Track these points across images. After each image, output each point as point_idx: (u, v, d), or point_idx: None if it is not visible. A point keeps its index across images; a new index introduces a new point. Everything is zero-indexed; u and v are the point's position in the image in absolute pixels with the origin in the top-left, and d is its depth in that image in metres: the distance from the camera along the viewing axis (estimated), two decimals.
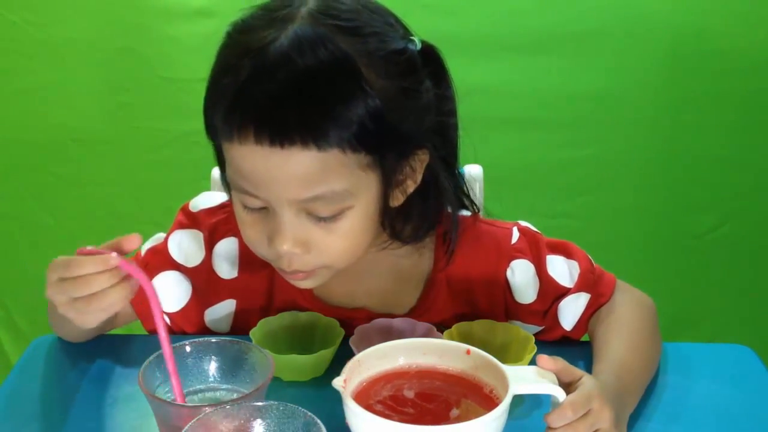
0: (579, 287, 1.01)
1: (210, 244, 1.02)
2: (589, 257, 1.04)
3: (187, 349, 0.84)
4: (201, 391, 0.85)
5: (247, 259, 1.01)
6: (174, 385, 0.80)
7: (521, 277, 1.01)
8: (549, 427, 0.76)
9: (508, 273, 1.02)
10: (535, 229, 1.05)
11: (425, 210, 0.97)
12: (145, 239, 1.07)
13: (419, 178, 0.93)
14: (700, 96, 1.89)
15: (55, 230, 1.98)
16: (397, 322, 0.99)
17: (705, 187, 1.97)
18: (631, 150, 1.95)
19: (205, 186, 1.29)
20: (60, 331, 1.01)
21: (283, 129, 0.82)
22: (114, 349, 1.01)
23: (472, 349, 0.81)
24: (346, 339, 0.95)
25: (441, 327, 0.97)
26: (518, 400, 0.80)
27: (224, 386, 0.85)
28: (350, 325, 0.98)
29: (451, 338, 0.95)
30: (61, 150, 1.92)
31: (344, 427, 0.75)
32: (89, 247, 0.81)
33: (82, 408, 0.91)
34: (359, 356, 0.79)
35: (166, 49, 1.83)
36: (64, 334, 1.01)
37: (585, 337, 1.03)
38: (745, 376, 0.97)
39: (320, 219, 0.87)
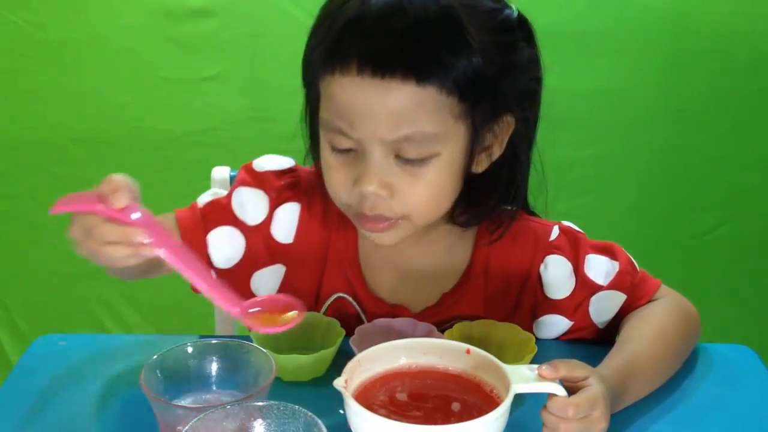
0: (612, 286, 1.01)
1: (274, 206, 1.03)
2: (633, 261, 1.03)
3: (189, 350, 0.85)
4: (203, 392, 0.85)
5: (305, 227, 1.03)
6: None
7: (554, 272, 1.02)
8: (546, 409, 0.78)
9: (541, 268, 1.02)
10: (578, 229, 1.06)
11: (497, 185, 0.98)
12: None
13: (504, 145, 0.95)
14: (700, 96, 1.89)
15: (55, 230, 1.97)
16: (397, 322, 0.99)
17: (705, 187, 1.97)
18: (632, 150, 1.95)
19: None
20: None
21: (386, 60, 0.85)
22: (114, 349, 1.01)
23: (472, 348, 0.81)
24: (346, 339, 0.95)
25: (463, 320, 0.98)
26: (518, 399, 0.80)
27: (226, 388, 0.85)
28: (351, 326, 0.98)
29: (452, 338, 0.95)
30: (61, 150, 1.92)
31: (345, 427, 0.75)
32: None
33: (82, 408, 0.91)
34: (360, 356, 0.79)
35: (166, 49, 1.83)
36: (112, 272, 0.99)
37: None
38: (745, 376, 0.97)
39: (407, 162, 0.89)
